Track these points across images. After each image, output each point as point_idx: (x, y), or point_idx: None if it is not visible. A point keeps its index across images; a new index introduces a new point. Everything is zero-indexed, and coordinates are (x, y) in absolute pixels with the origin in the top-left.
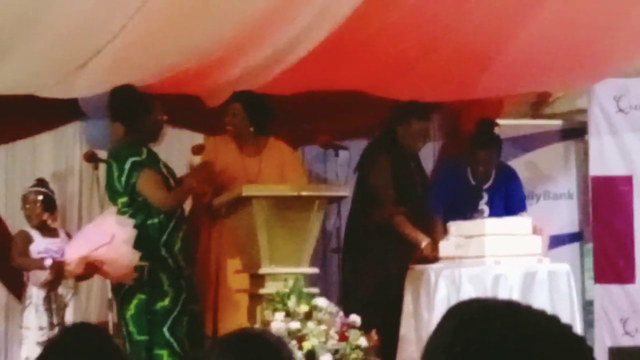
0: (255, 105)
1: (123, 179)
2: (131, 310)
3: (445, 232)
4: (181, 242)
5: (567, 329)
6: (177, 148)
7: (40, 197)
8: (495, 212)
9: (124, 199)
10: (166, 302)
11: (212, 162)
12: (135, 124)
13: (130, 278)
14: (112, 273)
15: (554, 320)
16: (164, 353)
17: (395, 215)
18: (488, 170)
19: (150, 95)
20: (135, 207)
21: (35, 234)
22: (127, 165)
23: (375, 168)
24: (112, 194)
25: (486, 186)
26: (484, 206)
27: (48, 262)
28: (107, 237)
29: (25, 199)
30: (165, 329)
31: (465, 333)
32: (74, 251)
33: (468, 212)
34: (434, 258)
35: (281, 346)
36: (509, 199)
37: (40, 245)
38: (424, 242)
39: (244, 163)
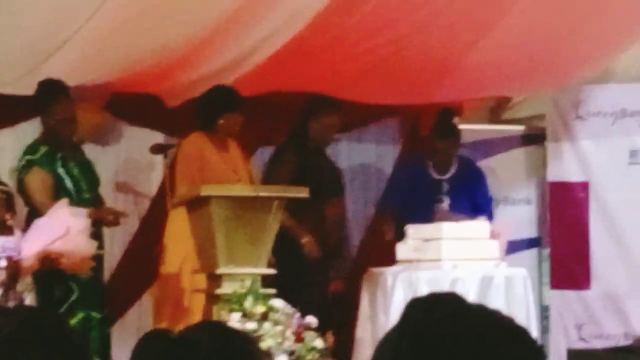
0: None
1: (16, 175)
2: None
3: (391, 229)
4: None
5: (510, 320)
6: (136, 147)
7: (3, 196)
8: (456, 204)
9: (22, 197)
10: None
11: (196, 157)
12: (42, 115)
13: (87, 267)
14: (71, 265)
15: (497, 313)
16: None
17: None
18: (448, 160)
19: (58, 87)
20: (30, 206)
21: None
22: (22, 163)
23: (276, 166)
24: (18, 191)
25: (447, 176)
26: (444, 196)
27: (2, 263)
28: (62, 229)
29: None
30: None
31: (411, 331)
32: (30, 247)
33: (429, 204)
34: (314, 256)
35: (251, 339)
36: (475, 199)
37: None
38: (305, 238)
39: (224, 160)
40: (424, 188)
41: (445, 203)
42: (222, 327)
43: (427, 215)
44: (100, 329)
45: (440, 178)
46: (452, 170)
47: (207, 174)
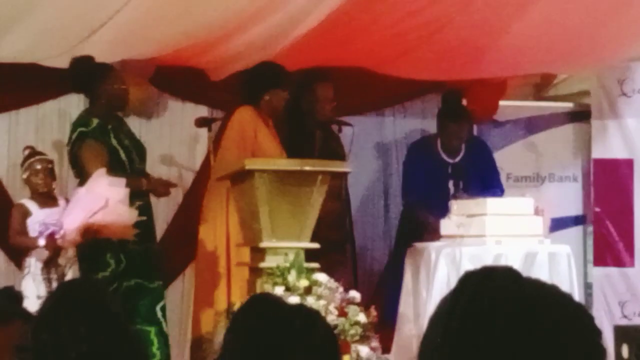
0: None
1: (68, 148)
2: None
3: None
4: None
5: (568, 297)
6: (181, 120)
7: (49, 166)
8: (469, 184)
9: (75, 169)
10: (107, 272)
11: (250, 132)
12: (91, 94)
13: (130, 234)
14: (113, 233)
15: (554, 289)
16: None
17: None
18: (460, 142)
19: (107, 65)
20: (83, 177)
21: (32, 206)
22: (75, 135)
23: None
24: (70, 163)
25: (458, 158)
26: (459, 179)
27: (42, 241)
28: (101, 201)
29: (32, 167)
30: None
31: (463, 303)
32: (72, 221)
33: (441, 186)
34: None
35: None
36: (487, 177)
37: (38, 217)
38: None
39: (271, 135)
40: (438, 172)
41: (460, 186)
42: (313, 314)
43: (443, 199)
44: (153, 296)
45: (453, 161)
46: (462, 151)
47: (261, 146)
